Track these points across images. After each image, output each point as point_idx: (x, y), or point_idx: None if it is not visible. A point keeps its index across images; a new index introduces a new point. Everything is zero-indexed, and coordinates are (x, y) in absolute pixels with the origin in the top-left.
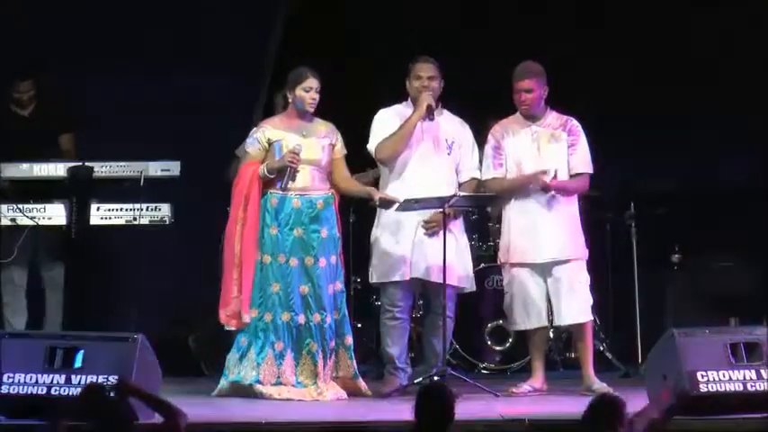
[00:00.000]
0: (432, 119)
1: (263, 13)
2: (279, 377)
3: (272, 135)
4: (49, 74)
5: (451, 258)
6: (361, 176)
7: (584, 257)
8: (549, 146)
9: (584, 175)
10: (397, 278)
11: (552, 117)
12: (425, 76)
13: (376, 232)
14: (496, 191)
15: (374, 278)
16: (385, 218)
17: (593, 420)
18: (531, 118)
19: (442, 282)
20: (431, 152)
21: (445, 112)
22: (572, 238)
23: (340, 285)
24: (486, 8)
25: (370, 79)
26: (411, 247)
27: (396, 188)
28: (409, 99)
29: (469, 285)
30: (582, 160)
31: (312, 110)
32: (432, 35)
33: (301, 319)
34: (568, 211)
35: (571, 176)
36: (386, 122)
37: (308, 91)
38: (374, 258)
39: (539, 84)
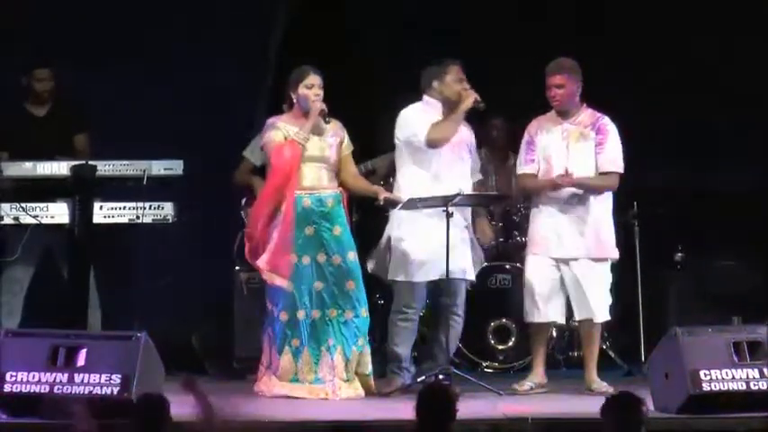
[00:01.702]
0: (478, 101)
1: (263, 12)
2: (296, 374)
3: (286, 130)
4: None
5: (467, 252)
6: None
7: (609, 258)
8: (578, 144)
9: (612, 174)
10: (421, 278)
11: (586, 114)
12: (464, 78)
13: (399, 231)
14: (527, 187)
15: (399, 276)
16: (408, 216)
17: (610, 419)
18: (564, 114)
19: (461, 279)
20: (458, 154)
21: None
22: (598, 236)
23: (353, 284)
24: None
25: (371, 79)
26: (439, 249)
27: (426, 185)
28: (429, 99)
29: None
30: (609, 159)
31: (325, 110)
32: (431, 34)
33: (316, 314)
34: (598, 210)
35: (599, 175)
36: (421, 114)
37: (311, 87)
38: (397, 256)
39: (570, 79)
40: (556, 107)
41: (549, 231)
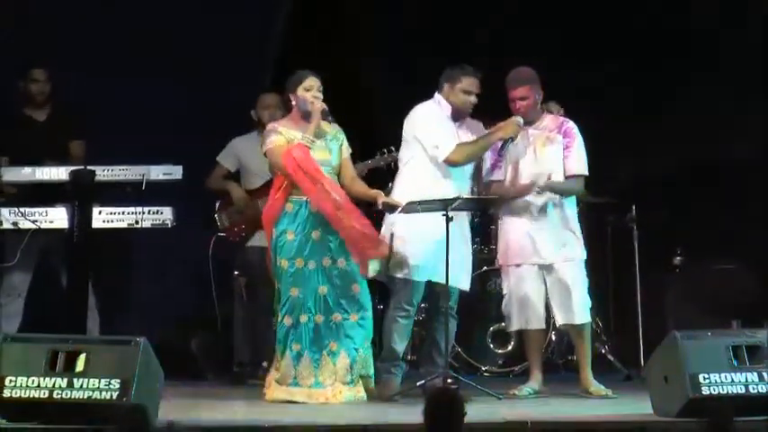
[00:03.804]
0: (513, 139)
1: (263, 15)
2: (296, 377)
3: (288, 135)
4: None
5: (467, 258)
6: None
7: (582, 259)
8: (545, 149)
9: (578, 177)
10: (422, 278)
11: (549, 119)
12: (474, 93)
13: (402, 229)
14: (497, 195)
15: (400, 273)
16: (413, 216)
17: None
18: (528, 122)
19: (459, 285)
20: None
21: (468, 119)
22: (570, 239)
23: (358, 288)
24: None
25: (368, 83)
26: (440, 251)
27: (422, 185)
28: (441, 99)
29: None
30: (576, 162)
31: (326, 109)
32: (432, 38)
33: (319, 318)
34: (566, 213)
35: (566, 178)
36: (442, 121)
37: (310, 89)
38: (400, 253)
39: (532, 90)
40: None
41: (524, 239)
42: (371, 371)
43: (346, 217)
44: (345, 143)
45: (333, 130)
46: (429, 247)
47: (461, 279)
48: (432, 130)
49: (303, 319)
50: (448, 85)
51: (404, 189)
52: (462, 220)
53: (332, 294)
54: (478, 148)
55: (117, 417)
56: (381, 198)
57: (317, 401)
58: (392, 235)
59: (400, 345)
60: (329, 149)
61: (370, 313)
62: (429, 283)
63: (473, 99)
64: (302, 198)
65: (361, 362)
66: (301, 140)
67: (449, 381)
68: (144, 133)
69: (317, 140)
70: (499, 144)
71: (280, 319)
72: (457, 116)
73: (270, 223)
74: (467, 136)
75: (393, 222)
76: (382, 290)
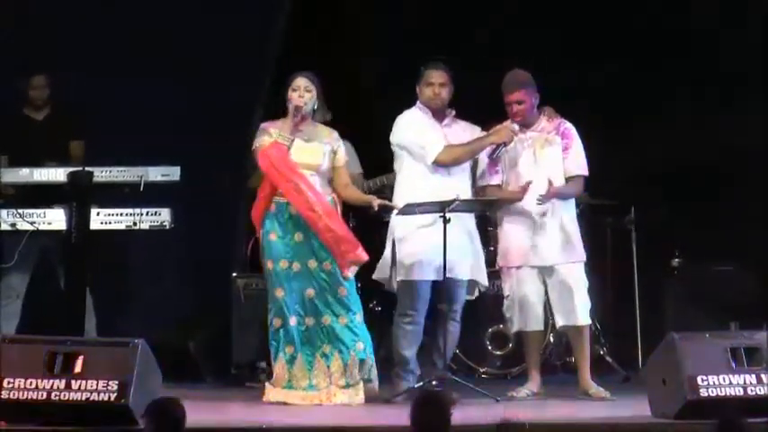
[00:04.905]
0: (506, 144)
1: (263, 18)
2: (290, 380)
3: (275, 135)
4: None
5: (469, 256)
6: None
7: (582, 260)
8: (544, 151)
9: (578, 178)
10: (421, 277)
11: (546, 121)
12: (437, 83)
13: (399, 234)
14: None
15: (400, 276)
16: (407, 219)
17: None
18: (525, 125)
19: (460, 284)
20: None
21: (460, 121)
22: (571, 241)
23: (345, 291)
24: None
25: (370, 85)
26: (438, 250)
27: (427, 188)
28: (418, 102)
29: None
30: (576, 163)
31: (301, 108)
32: (433, 42)
33: (309, 321)
34: (567, 215)
35: (566, 180)
36: (424, 124)
37: (296, 90)
38: (399, 258)
39: (529, 93)
40: (518, 122)
41: (524, 241)
42: (373, 375)
43: (321, 218)
44: (341, 152)
45: (329, 136)
46: (428, 247)
47: (478, 273)
48: (415, 134)
49: (292, 321)
50: (418, 86)
51: (401, 193)
52: (468, 218)
53: (320, 297)
54: (469, 150)
55: (149, 411)
56: (376, 201)
57: (312, 403)
58: (394, 241)
59: (408, 350)
60: (323, 153)
61: (359, 316)
62: (432, 286)
63: (438, 91)
64: (283, 199)
65: (356, 364)
66: (277, 138)
67: (434, 383)
68: (144, 133)
69: (308, 143)
70: (496, 149)
71: (269, 320)
72: (437, 115)
73: (256, 224)
74: (458, 138)
75: (394, 227)
76: (381, 292)
